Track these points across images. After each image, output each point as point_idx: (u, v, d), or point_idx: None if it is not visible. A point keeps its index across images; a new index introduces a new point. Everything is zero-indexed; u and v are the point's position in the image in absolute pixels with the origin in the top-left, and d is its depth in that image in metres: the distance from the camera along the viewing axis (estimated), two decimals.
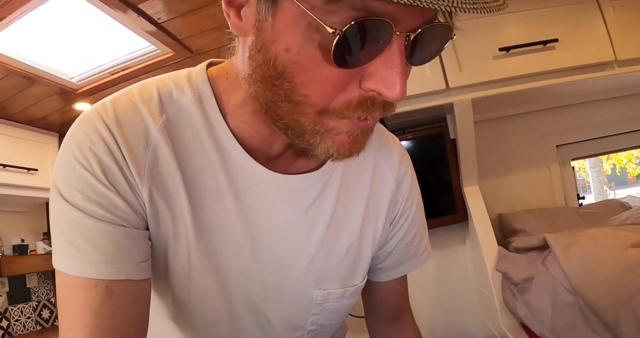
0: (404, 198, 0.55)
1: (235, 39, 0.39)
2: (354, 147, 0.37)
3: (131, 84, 0.43)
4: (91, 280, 0.36)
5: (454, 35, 0.33)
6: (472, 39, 1.32)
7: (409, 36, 0.31)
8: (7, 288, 1.87)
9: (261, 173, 0.43)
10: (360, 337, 0.80)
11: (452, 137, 1.48)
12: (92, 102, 1.10)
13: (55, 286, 2.15)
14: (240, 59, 0.38)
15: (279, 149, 0.43)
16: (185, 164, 0.41)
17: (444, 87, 1.30)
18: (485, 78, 1.30)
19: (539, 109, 1.56)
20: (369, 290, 0.59)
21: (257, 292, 0.46)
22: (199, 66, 0.45)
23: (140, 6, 1.26)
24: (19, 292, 1.92)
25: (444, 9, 0.26)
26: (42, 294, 2.05)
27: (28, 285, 1.97)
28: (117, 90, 0.42)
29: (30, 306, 1.96)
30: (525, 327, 1.13)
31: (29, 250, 1.95)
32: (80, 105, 1.77)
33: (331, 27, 0.29)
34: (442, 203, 1.54)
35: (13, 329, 1.83)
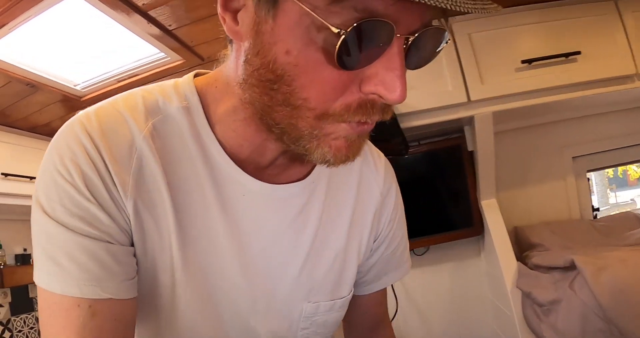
0: (389, 211, 0.54)
1: (229, 45, 0.38)
2: (351, 152, 0.36)
3: None
4: (74, 299, 0.35)
5: (448, 40, 0.34)
6: (493, 51, 1.27)
7: (407, 39, 0.31)
8: (9, 299, 1.80)
9: (249, 183, 0.42)
10: None
11: (469, 149, 1.43)
12: None
13: None
14: (233, 65, 0.37)
15: (269, 157, 0.42)
16: (171, 174, 0.39)
17: (465, 99, 1.24)
18: (507, 91, 1.25)
19: (555, 120, 1.51)
20: (350, 303, 0.57)
21: (246, 308, 0.44)
22: (185, 76, 0.43)
23: (151, 13, 1.18)
24: (21, 302, 1.85)
25: (445, 6, 0.25)
26: None
27: (31, 295, 1.90)
28: None
29: (33, 316, 1.89)
30: None
31: (31, 260, 1.88)
32: None
33: (336, 28, 0.28)
34: (458, 216, 1.49)
35: None
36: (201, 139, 0.40)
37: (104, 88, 1.52)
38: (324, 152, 0.35)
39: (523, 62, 1.24)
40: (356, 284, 0.56)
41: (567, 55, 1.25)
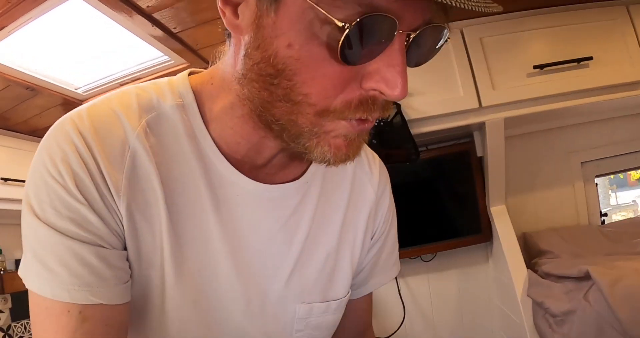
0: (383, 212, 0.53)
1: (227, 40, 0.37)
2: (350, 151, 0.35)
3: None
4: (64, 305, 0.34)
5: (449, 38, 0.33)
6: (505, 56, 1.23)
7: (409, 36, 0.30)
8: (9, 305, 1.75)
9: (243, 183, 0.41)
10: None
11: (479, 154, 1.39)
12: None
13: None
14: (231, 61, 0.36)
15: (266, 155, 0.41)
16: (165, 173, 0.38)
17: (476, 105, 1.21)
18: (519, 97, 1.21)
19: (563, 126, 1.48)
20: None
21: (240, 310, 0.43)
22: (180, 74, 0.42)
23: (155, 15, 1.14)
24: (22, 308, 1.80)
25: (447, 2, 0.25)
26: None
27: None
28: None
29: None
30: None
31: None
32: None
33: (340, 22, 0.28)
34: (466, 223, 1.45)
35: None
36: (195, 137, 0.39)
37: (106, 91, 1.47)
38: (324, 150, 0.34)
39: (535, 67, 1.21)
40: None
41: (579, 60, 1.22)
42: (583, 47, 1.24)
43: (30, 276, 0.35)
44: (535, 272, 1.26)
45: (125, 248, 0.38)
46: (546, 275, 1.21)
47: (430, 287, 1.52)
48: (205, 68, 1.49)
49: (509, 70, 1.22)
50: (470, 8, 0.26)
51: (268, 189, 0.42)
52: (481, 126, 1.31)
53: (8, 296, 1.75)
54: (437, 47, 0.33)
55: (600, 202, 1.53)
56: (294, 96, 0.32)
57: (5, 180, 1.56)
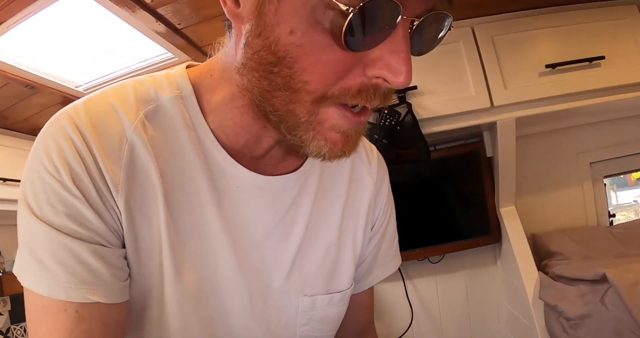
0: (382, 202, 0.52)
1: (227, 31, 0.36)
2: (346, 147, 0.35)
3: None
4: (60, 303, 0.33)
5: (452, 27, 0.32)
6: (516, 55, 1.19)
7: (412, 23, 0.30)
8: (9, 307, 1.70)
9: (243, 174, 0.40)
10: None
11: (488, 155, 1.35)
12: None
13: None
14: (232, 51, 0.35)
15: (264, 146, 0.40)
16: (164, 166, 0.37)
17: (488, 105, 1.17)
18: (531, 96, 1.17)
19: (573, 125, 1.44)
20: None
21: (243, 305, 0.42)
22: (177, 66, 0.41)
23: (159, 10, 1.08)
24: (21, 311, 1.74)
25: None
26: None
27: None
28: None
29: None
30: None
31: None
32: None
33: (344, 5, 0.27)
34: (474, 224, 1.41)
35: None
36: (194, 128, 0.38)
37: None
38: (320, 145, 0.34)
39: (547, 66, 1.17)
40: None
41: (590, 60, 1.18)
42: (594, 47, 1.20)
43: (26, 274, 0.34)
44: (546, 274, 1.22)
45: (123, 246, 0.36)
46: (558, 278, 1.17)
47: (438, 289, 1.48)
48: None
49: (521, 69, 1.18)
50: None
51: (268, 181, 0.41)
52: (491, 126, 1.27)
53: (7, 298, 1.69)
54: (440, 35, 0.32)
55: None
56: (293, 84, 0.31)
57: (4, 180, 1.50)
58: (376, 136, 1.10)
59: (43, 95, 1.44)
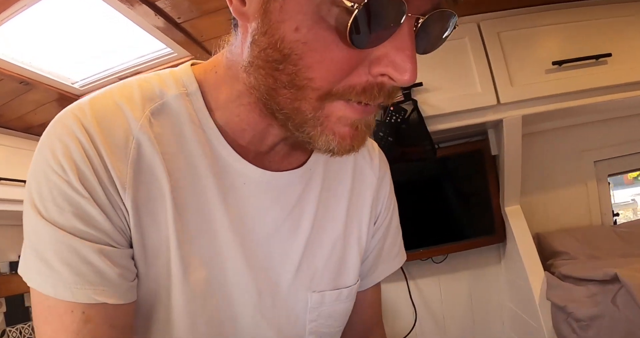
0: (385, 196, 0.52)
1: (233, 30, 0.36)
2: (355, 141, 0.34)
3: None
4: (67, 304, 0.32)
5: (457, 25, 0.32)
6: (523, 52, 1.16)
7: (417, 21, 0.30)
8: (4, 309, 1.64)
9: (249, 171, 0.39)
10: None
11: (493, 153, 1.31)
12: None
13: None
14: (238, 50, 0.35)
15: (270, 143, 0.40)
16: (170, 164, 0.37)
17: (495, 102, 1.13)
18: (538, 94, 1.14)
19: (577, 123, 1.41)
20: None
21: (252, 302, 0.41)
22: (182, 64, 0.41)
23: (158, 3, 1.04)
24: (17, 312, 1.69)
25: None
26: None
27: (27, 304, 1.73)
28: None
29: (29, 326, 1.73)
30: None
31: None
32: None
33: (349, 2, 0.27)
34: (478, 223, 1.38)
35: None
36: (200, 125, 0.38)
37: (104, 86, 1.36)
38: (328, 139, 0.33)
39: (554, 63, 1.14)
40: None
41: (597, 57, 1.15)
42: (601, 44, 1.17)
43: (31, 274, 0.33)
44: (552, 274, 1.19)
45: (130, 246, 0.36)
46: (565, 278, 1.14)
47: (441, 289, 1.44)
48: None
49: (527, 66, 1.15)
50: None
51: (274, 177, 0.41)
52: (497, 124, 1.23)
53: (2, 300, 1.64)
54: (445, 34, 0.32)
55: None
56: (298, 81, 0.30)
57: None
58: (381, 134, 1.06)
59: (38, 91, 1.39)
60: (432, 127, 1.13)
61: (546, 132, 1.42)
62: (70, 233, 0.32)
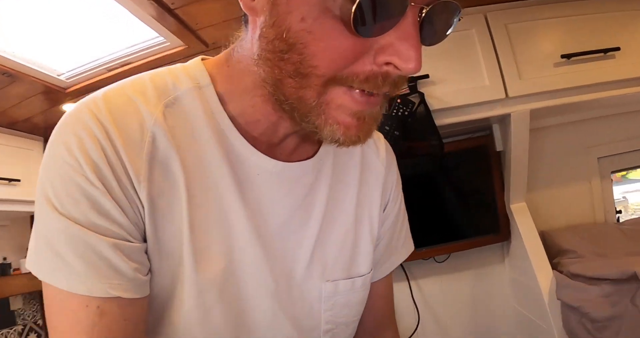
0: (392, 186, 0.52)
1: (243, 25, 0.37)
2: (361, 132, 0.34)
3: None
4: (81, 299, 0.32)
5: (461, 17, 0.32)
6: (531, 45, 1.10)
7: (422, 10, 0.30)
8: None
9: (263, 162, 0.40)
10: None
11: (498, 149, 1.25)
12: None
13: (42, 307, 1.78)
14: (248, 45, 0.35)
15: (281, 135, 0.40)
16: (185, 156, 0.36)
17: (503, 96, 1.07)
18: (547, 87, 1.08)
19: (582, 119, 1.36)
20: None
21: (269, 294, 0.41)
22: (193, 60, 0.41)
23: None
24: (2, 316, 1.58)
25: None
26: (29, 317, 1.70)
27: (12, 308, 1.62)
28: None
29: (15, 331, 1.62)
30: None
31: (11, 269, 1.60)
32: (70, 107, 1.42)
33: None
34: (483, 221, 1.32)
35: None
36: (214, 117, 0.38)
37: (92, 78, 1.27)
38: (333, 129, 0.33)
39: (563, 56, 1.08)
40: None
41: (605, 51, 1.09)
42: (610, 38, 1.12)
43: (45, 268, 0.33)
44: (560, 272, 1.13)
45: (144, 241, 0.36)
46: (574, 276, 1.08)
47: (443, 289, 1.38)
48: (203, 51, 1.29)
49: (536, 59, 1.09)
50: None
51: (287, 167, 0.41)
52: (503, 119, 1.17)
53: None
54: (450, 25, 0.32)
55: None
56: (303, 69, 0.31)
57: None
58: (387, 128, 0.99)
59: (22, 84, 1.28)
60: (437, 122, 1.06)
61: (549, 128, 1.36)
62: (85, 227, 0.32)
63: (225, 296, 0.38)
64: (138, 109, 0.35)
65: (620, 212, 1.43)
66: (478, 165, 1.29)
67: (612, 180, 1.42)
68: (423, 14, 0.30)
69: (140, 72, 0.39)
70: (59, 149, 0.33)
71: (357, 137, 0.34)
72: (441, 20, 0.31)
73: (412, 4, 0.28)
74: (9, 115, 1.47)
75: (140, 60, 1.20)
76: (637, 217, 1.47)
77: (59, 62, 1.25)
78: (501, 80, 1.07)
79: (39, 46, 1.18)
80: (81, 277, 0.32)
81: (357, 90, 0.32)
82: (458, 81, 1.07)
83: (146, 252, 0.36)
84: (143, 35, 1.13)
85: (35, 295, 1.72)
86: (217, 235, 0.38)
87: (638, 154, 1.37)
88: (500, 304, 1.36)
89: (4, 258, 1.61)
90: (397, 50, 0.29)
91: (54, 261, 0.32)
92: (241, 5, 0.33)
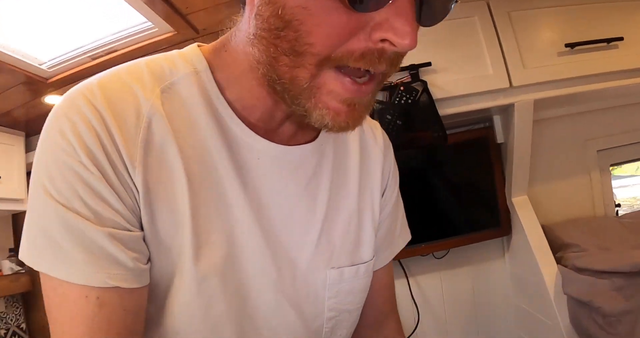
0: (389, 172, 0.52)
1: (241, 7, 0.35)
2: (351, 118, 0.33)
3: None
4: (81, 289, 0.31)
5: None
6: (534, 33, 1.05)
7: None
8: None
9: (262, 145, 0.38)
10: None
11: (499, 141, 1.20)
12: None
13: (26, 310, 1.67)
14: (245, 25, 0.34)
15: (278, 120, 0.39)
16: (182, 142, 0.35)
17: (507, 85, 1.02)
18: (551, 77, 1.03)
19: (582, 111, 1.32)
20: None
21: (271, 282, 0.40)
22: (189, 46, 0.40)
23: None
24: None
25: None
26: (11, 320, 1.59)
27: None
28: None
29: None
30: None
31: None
32: (52, 98, 1.33)
33: None
34: (483, 216, 1.27)
35: None
36: (212, 103, 0.37)
37: (76, 67, 1.18)
38: (322, 113, 0.32)
39: (566, 45, 1.04)
40: None
41: (609, 40, 1.05)
42: (613, 27, 1.08)
43: (42, 259, 0.32)
44: (565, 267, 1.09)
45: (141, 229, 0.35)
46: (580, 270, 1.04)
47: (443, 285, 1.32)
48: (193, 38, 1.22)
49: (539, 48, 1.05)
50: None
51: (287, 151, 0.40)
52: (505, 109, 1.12)
53: None
54: (448, 6, 0.31)
55: None
56: (298, 47, 0.30)
57: None
58: (389, 117, 0.93)
59: (1, 74, 1.19)
60: (439, 112, 1.00)
61: (548, 120, 1.32)
62: (82, 216, 0.31)
63: (227, 283, 0.37)
64: (134, 94, 0.34)
65: (619, 205, 1.40)
66: (479, 157, 1.24)
67: (611, 173, 1.39)
68: None
69: (127, 61, 0.38)
70: (53, 135, 0.32)
71: (346, 124, 0.33)
72: (439, 1, 0.31)
73: None
74: None
75: (126, 47, 1.12)
76: (637, 210, 1.44)
77: (39, 50, 1.16)
78: (505, 69, 1.02)
79: (19, 33, 1.09)
80: (80, 265, 0.31)
81: (349, 78, 0.31)
82: (461, 70, 1.02)
83: (144, 241, 0.35)
84: (129, 20, 1.05)
85: (17, 298, 1.61)
86: (217, 222, 0.37)
87: (637, 147, 1.34)
88: (500, 300, 1.31)
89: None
90: (392, 26, 0.29)
91: (53, 251, 0.31)
92: None
